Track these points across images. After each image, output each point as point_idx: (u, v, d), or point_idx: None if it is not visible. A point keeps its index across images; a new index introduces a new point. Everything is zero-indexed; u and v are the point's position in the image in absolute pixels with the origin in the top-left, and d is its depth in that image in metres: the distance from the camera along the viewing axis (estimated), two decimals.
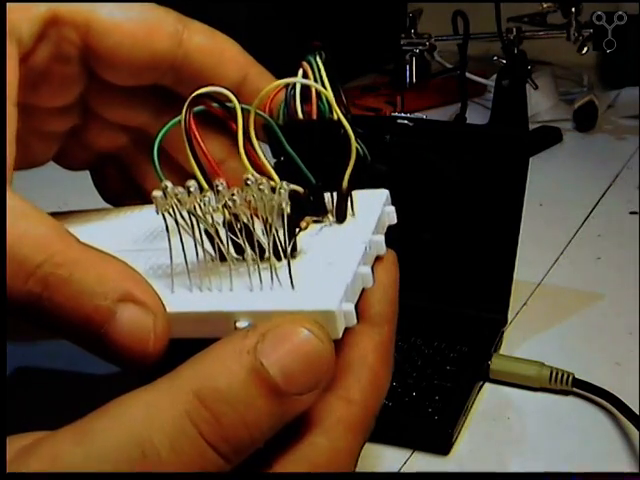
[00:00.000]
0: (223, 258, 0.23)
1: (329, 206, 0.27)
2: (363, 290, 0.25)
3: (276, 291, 0.23)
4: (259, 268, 0.23)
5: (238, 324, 0.22)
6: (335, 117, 0.26)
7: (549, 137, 0.85)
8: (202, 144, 0.24)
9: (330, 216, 0.27)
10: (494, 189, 0.48)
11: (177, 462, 0.20)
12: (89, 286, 0.22)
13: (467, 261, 0.49)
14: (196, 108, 0.25)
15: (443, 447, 0.40)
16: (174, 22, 0.28)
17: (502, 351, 0.47)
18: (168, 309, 0.23)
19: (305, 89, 0.26)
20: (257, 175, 0.22)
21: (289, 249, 0.23)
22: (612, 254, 0.60)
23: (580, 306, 0.53)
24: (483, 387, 0.44)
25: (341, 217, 0.26)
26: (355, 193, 0.27)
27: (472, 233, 0.49)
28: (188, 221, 0.23)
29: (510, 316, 0.49)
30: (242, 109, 0.24)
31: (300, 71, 0.26)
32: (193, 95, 0.24)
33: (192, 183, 0.22)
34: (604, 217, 0.67)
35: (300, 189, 0.25)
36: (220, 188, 0.22)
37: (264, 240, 0.23)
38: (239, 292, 0.23)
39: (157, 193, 0.22)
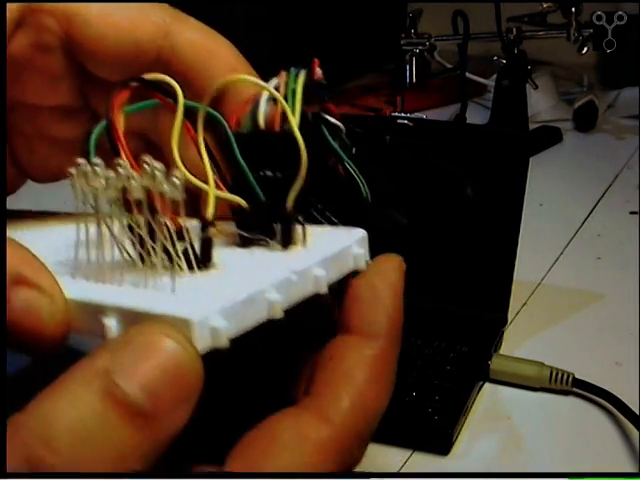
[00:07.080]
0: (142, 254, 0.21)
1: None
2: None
3: (155, 292, 0.21)
4: (153, 267, 0.21)
5: (105, 320, 0.20)
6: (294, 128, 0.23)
7: (549, 137, 0.85)
8: (121, 136, 0.22)
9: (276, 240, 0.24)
10: (494, 189, 0.48)
11: None
12: None
13: (467, 261, 0.49)
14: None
15: (443, 447, 0.40)
16: (162, 15, 0.27)
17: (502, 351, 0.47)
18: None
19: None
20: (155, 162, 0.20)
21: (175, 250, 0.21)
22: (612, 254, 0.60)
23: (580, 306, 0.53)
24: (483, 387, 0.44)
25: (285, 242, 0.24)
26: (327, 229, 0.25)
27: (472, 233, 0.49)
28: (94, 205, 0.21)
29: (510, 316, 0.49)
30: (191, 106, 0.23)
31: (275, 80, 0.24)
32: (127, 80, 0.23)
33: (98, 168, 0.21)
34: (604, 217, 0.67)
35: (243, 202, 0.23)
36: (121, 169, 0.20)
37: (162, 239, 0.21)
38: (121, 287, 0.21)
39: (73, 171, 0.21)
